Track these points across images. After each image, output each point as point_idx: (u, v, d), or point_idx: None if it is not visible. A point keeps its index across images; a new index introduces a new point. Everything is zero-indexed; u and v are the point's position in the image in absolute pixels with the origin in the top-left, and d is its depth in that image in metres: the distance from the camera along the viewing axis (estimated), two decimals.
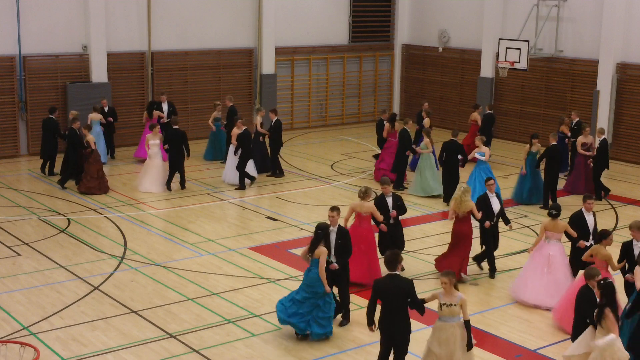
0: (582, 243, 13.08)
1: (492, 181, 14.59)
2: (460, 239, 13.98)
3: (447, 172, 18.96)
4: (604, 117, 24.21)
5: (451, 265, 13.58)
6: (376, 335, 11.93)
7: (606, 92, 24.25)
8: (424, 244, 16.05)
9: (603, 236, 11.92)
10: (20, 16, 22.76)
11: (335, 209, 12.08)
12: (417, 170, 20.10)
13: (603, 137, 19.79)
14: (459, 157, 18.85)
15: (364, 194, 13.60)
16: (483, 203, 14.29)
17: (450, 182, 18.83)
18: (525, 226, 17.49)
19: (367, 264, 13.67)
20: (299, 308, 11.59)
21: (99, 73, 23.95)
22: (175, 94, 25.48)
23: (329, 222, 11.95)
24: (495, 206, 14.34)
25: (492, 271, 14.44)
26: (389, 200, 14.00)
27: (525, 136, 26.04)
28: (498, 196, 14.53)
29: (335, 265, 11.80)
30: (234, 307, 12.85)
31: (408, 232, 16.75)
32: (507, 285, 13.95)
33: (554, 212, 13.05)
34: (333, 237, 11.90)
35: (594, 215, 13.40)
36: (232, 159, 20.35)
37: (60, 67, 23.64)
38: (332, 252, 11.87)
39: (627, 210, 19.01)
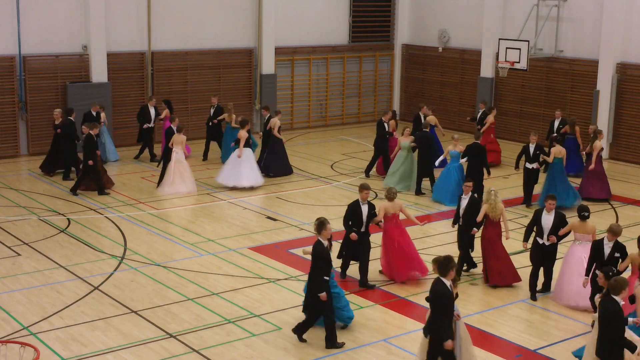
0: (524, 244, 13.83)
1: (470, 184, 14.45)
2: (494, 243, 13.89)
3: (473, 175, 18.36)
4: (604, 117, 24.20)
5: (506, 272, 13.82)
6: (376, 335, 11.97)
7: (606, 92, 24.24)
8: (424, 244, 16.03)
9: None
10: (20, 16, 22.75)
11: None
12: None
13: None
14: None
15: (393, 194, 13.89)
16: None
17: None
18: (525, 226, 17.42)
19: (387, 261, 14.17)
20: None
21: (99, 73, 23.95)
22: (175, 94, 25.48)
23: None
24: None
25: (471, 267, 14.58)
26: (364, 208, 13.70)
27: (525, 136, 25.99)
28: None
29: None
30: (234, 307, 12.85)
31: (408, 232, 16.72)
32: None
33: (586, 213, 13.03)
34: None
35: (557, 215, 13.32)
36: (233, 161, 20.14)
37: (60, 67, 23.63)
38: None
39: (627, 210, 19.01)
